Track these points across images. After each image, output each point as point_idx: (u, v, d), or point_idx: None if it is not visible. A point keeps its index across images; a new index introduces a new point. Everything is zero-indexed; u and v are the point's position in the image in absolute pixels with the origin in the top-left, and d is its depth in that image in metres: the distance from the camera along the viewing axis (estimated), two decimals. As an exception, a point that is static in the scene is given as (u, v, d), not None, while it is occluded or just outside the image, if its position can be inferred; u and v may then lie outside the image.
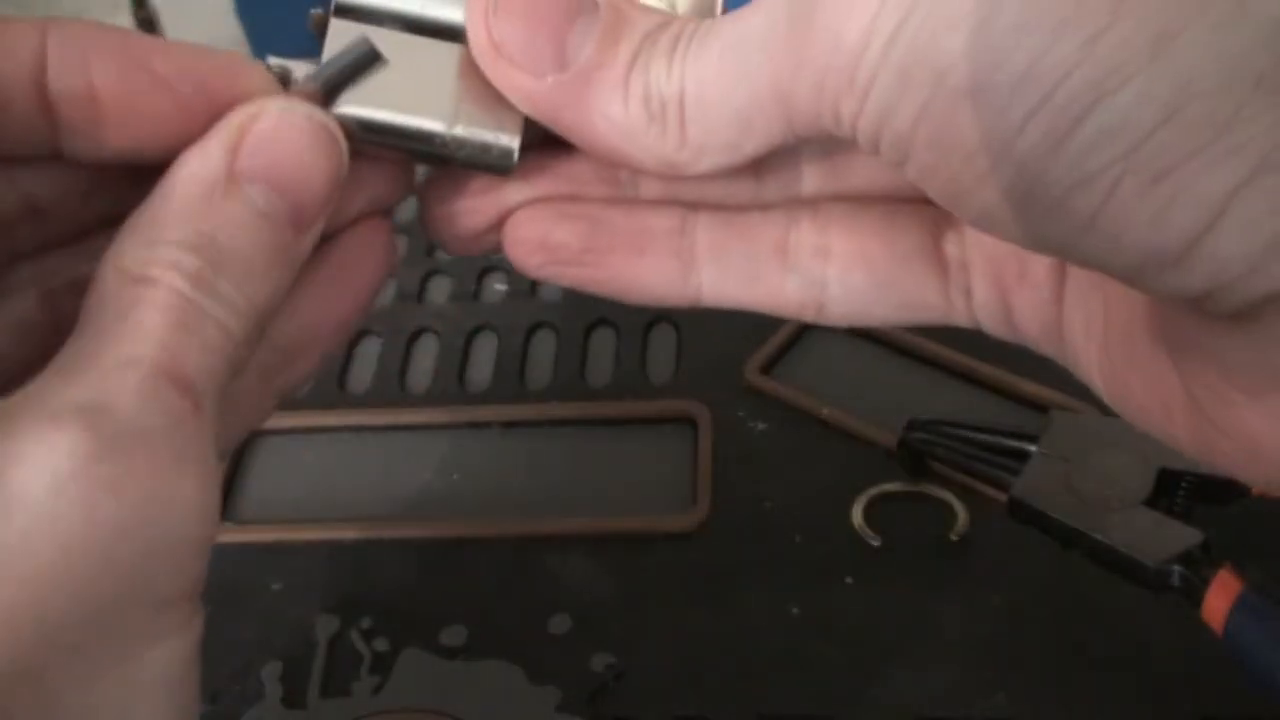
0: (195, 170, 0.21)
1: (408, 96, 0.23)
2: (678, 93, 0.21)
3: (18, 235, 0.23)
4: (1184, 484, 0.36)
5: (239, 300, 0.20)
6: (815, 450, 0.45)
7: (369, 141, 0.23)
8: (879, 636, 0.39)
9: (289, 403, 0.49)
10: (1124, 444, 0.36)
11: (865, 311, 0.24)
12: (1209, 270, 0.16)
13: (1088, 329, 0.22)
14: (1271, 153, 0.15)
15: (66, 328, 0.20)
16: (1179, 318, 0.19)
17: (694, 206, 0.24)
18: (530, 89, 0.21)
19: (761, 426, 0.47)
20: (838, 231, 0.23)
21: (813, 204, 0.24)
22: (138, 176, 0.22)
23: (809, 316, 0.24)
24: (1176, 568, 0.33)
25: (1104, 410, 0.23)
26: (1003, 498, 0.37)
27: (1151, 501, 0.35)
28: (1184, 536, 0.34)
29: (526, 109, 0.22)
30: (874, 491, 0.43)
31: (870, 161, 0.23)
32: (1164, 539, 0.34)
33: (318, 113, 0.22)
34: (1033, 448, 0.38)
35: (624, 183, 0.24)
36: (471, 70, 0.22)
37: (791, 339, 0.50)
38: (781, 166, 0.24)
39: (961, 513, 0.42)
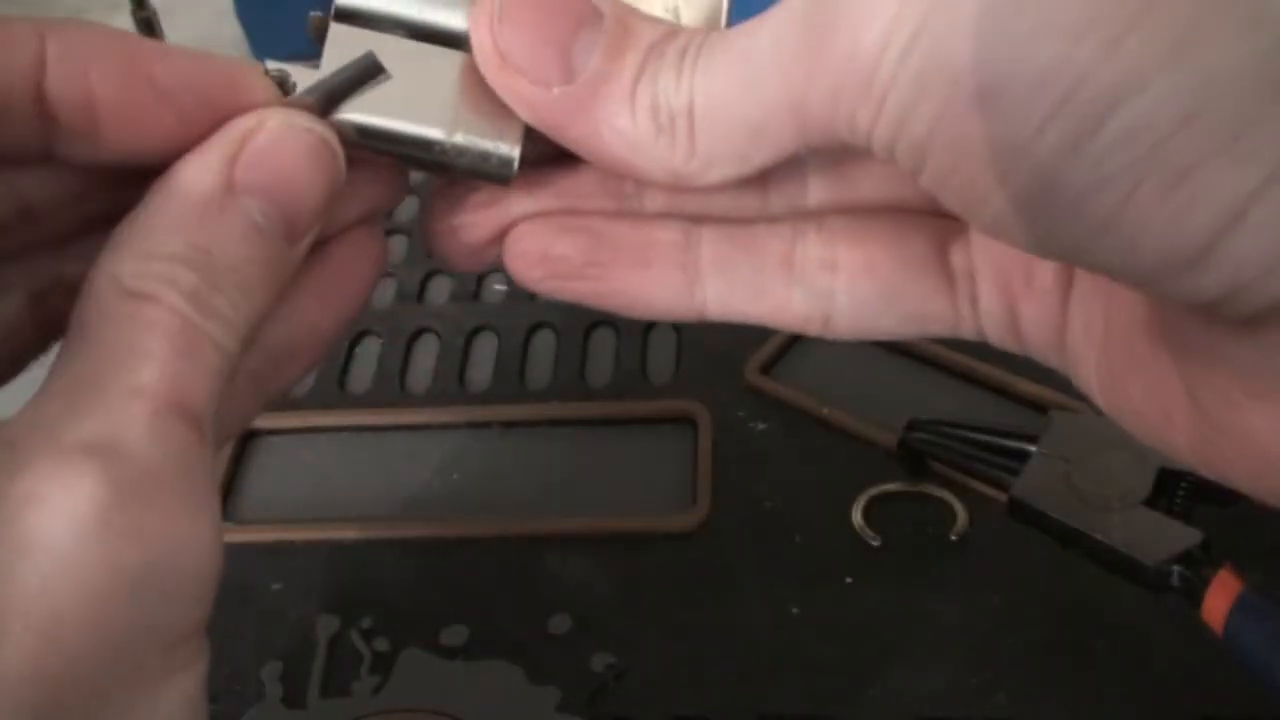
0: (193, 180, 0.21)
1: (407, 103, 0.22)
2: (687, 104, 0.20)
3: (8, 236, 0.22)
4: (1184, 484, 0.36)
5: (234, 316, 0.20)
6: (815, 450, 0.45)
7: (367, 147, 0.23)
8: (879, 636, 0.39)
9: (289, 403, 0.49)
10: (1124, 444, 0.36)
11: (871, 324, 0.24)
12: (1225, 273, 0.16)
13: (1088, 334, 0.22)
14: None
15: (53, 328, 0.19)
16: (1185, 322, 0.19)
17: (698, 220, 0.24)
18: (536, 99, 0.21)
19: (761, 426, 0.47)
20: (844, 243, 0.23)
21: (818, 216, 0.24)
22: (132, 178, 0.21)
23: (814, 330, 0.24)
24: (1176, 568, 0.33)
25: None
26: (1002, 498, 0.37)
27: (1151, 501, 0.35)
28: (1184, 536, 0.34)
29: (532, 119, 0.22)
30: (874, 491, 0.43)
31: (876, 172, 0.23)
32: (1164, 539, 0.34)
33: (318, 125, 0.22)
34: (1032, 448, 0.38)
35: (628, 196, 0.24)
36: (472, 78, 0.22)
37: (791, 339, 0.50)
38: (787, 179, 0.23)
39: (961, 513, 0.42)
